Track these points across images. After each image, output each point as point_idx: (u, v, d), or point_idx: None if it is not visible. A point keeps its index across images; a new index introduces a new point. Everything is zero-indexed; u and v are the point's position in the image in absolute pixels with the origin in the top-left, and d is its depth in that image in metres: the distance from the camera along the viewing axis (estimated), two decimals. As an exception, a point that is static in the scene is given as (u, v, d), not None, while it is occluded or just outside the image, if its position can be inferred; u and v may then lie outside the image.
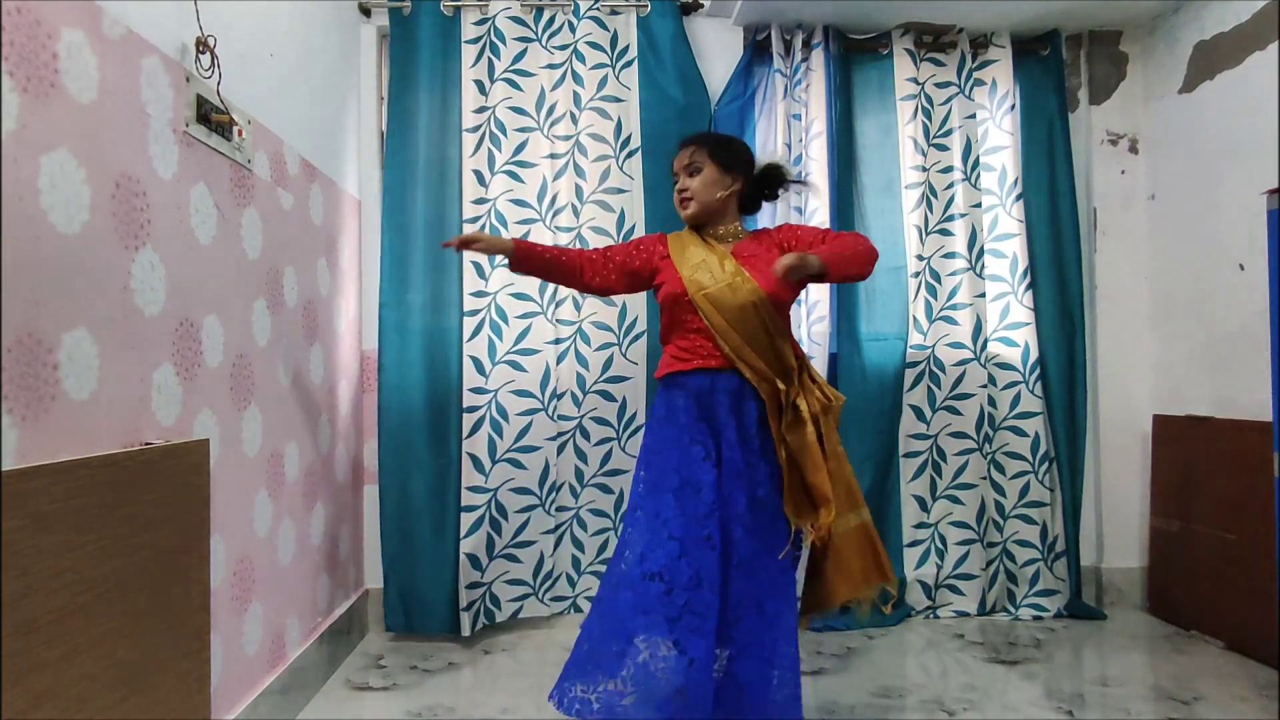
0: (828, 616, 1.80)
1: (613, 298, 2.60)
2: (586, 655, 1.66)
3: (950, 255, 2.75)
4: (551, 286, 2.58)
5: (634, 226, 2.61)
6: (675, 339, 1.81)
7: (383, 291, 2.55)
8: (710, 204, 1.84)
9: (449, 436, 2.55)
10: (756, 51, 2.71)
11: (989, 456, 2.73)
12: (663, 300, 1.82)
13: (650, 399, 2.59)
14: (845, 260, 1.71)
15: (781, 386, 1.72)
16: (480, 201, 2.57)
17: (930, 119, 2.76)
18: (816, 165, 2.66)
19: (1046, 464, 2.73)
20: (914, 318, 2.73)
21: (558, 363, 2.59)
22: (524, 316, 2.58)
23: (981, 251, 2.74)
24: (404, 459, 2.51)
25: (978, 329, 2.72)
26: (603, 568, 2.59)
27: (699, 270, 1.77)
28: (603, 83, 2.62)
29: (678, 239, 1.88)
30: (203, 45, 1.52)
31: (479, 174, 2.58)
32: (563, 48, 2.63)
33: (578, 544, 2.62)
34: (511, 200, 2.59)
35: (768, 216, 2.66)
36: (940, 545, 2.73)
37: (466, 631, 2.47)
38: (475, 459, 2.52)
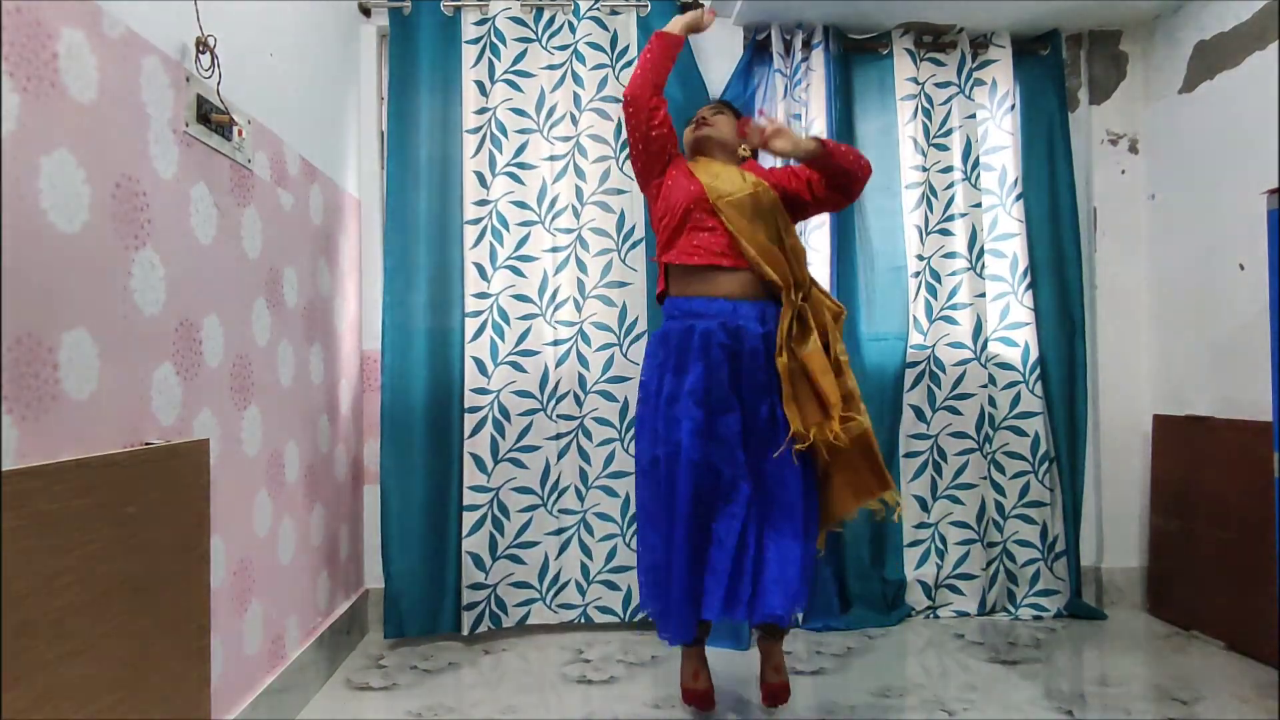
0: (844, 519, 1.93)
1: (611, 297, 2.60)
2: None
3: (950, 255, 2.75)
4: (551, 288, 2.59)
5: (634, 227, 2.61)
6: (683, 240, 1.87)
7: (386, 292, 2.55)
8: (722, 139, 1.99)
9: (451, 436, 2.55)
10: (756, 51, 2.71)
11: (989, 456, 2.73)
12: (674, 206, 1.88)
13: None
14: (842, 151, 1.86)
15: (794, 297, 1.82)
16: (481, 203, 2.57)
17: (930, 119, 2.76)
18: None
19: (1046, 464, 2.73)
20: (914, 318, 2.73)
21: (559, 363, 2.59)
22: (525, 318, 2.59)
23: (981, 251, 2.74)
24: (407, 458, 2.52)
25: (978, 329, 2.72)
26: (613, 576, 2.58)
27: (719, 179, 1.87)
28: (603, 83, 2.62)
29: (690, 159, 2.01)
30: (203, 45, 1.52)
31: (480, 175, 2.58)
32: (563, 48, 2.63)
33: (586, 550, 2.59)
34: (512, 202, 2.59)
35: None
36: (940, 545, 2.73)
37: (466, 630, 2.48)
38: (477, 458, 2.53)
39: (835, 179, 1.88)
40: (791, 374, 1.79)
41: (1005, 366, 2.76)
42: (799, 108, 2.67)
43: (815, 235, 2.66)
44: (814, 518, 1.85)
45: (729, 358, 1.80)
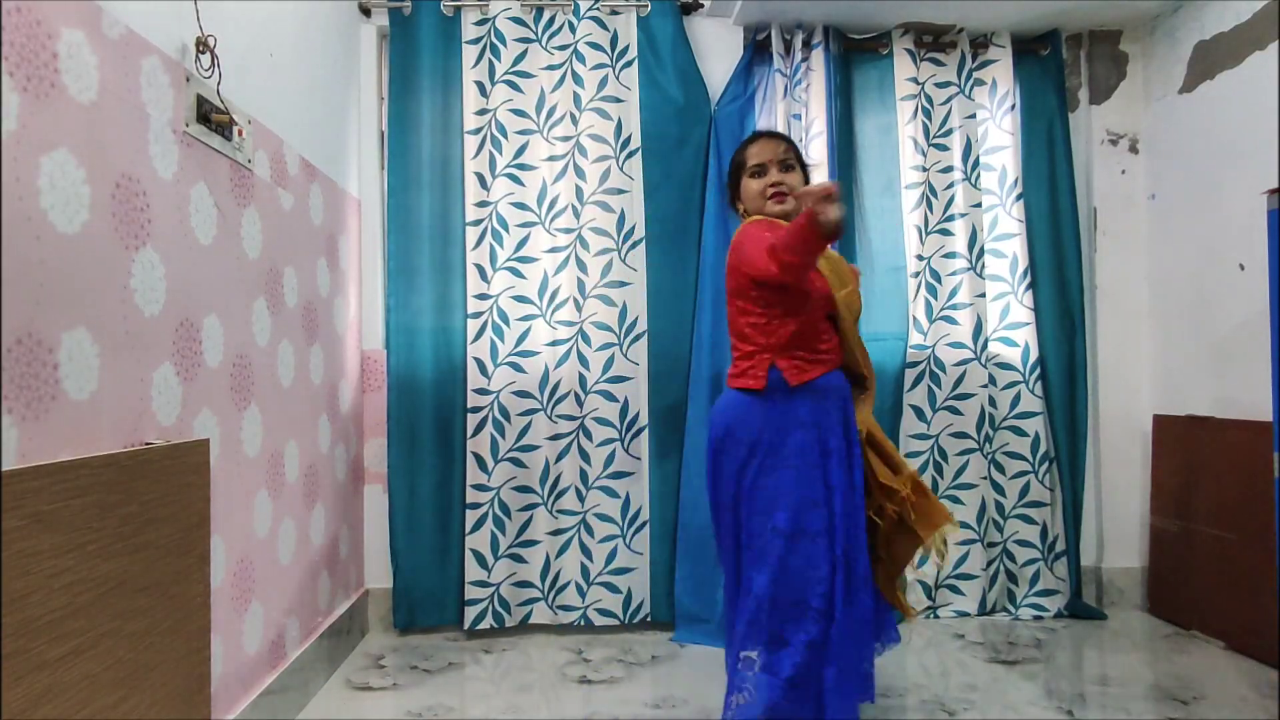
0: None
1: (612, 297, 2.60)
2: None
3: (950, 255, 2.75)
4: (551, 289, 2.59)
5: (634, 227, 2.61)
6: (802, 345, 1.69)
7: (389, 294, 2.58)
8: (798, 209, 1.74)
9: (454, 435, 2.57)
10: (756, 51, 2.71)
11: (989, 456, 2.73)
12: (802, 301, 1.68)
13: (652, 399, 2.60)
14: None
15: (872, 386, 1.87)
16: (482, 204, 2.58)
17: (930, 119, 2.76)
18: (817, 165, 2.66)
19: (1046, 464, 2.73)
20: (914, 318, 2.73)
21: (559, 364, 2.59)
22: (524, 319, 2.59)
23: (981, 251, 2.74)
24: (413, 457, 2.55)
25: (978, 329, 2.72)
26: (613, 578, 2.57)
27: (831, 275, 1.77)
28: (603, 83, 2.62)
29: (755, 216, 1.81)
30: (203, 45, 1.52)
31: (481, 177, 2.58)
32: (563, 48, 2.63)
33: (586, 552, 2.59)
34: (512, 203, 2.59)
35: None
36: (941, 545, 2.72)
37: (467, 625, 2.50)
38: (479, 458, 2.54)
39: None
40: (874, 447, 1.81)
41: (1005, 366, 2.76)
42: (799, 108, 2.67)
43: (815, 235, 2.65)
44: None
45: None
